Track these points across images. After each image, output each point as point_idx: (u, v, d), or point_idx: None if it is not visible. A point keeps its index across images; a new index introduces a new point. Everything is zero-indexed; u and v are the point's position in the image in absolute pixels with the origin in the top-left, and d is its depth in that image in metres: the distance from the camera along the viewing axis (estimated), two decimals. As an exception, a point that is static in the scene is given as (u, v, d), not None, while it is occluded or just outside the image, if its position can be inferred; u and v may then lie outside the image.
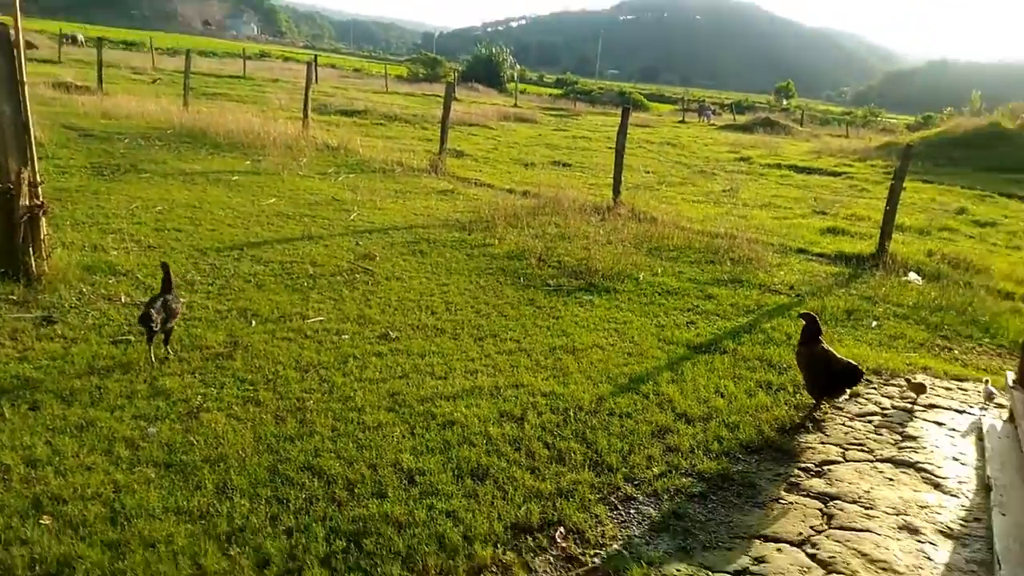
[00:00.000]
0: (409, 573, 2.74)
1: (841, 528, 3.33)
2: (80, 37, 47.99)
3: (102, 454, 3.35)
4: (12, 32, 4.84)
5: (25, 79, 4.97)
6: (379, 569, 2.73)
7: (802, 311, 4.80)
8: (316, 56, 51.06)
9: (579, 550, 3.00)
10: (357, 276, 6.28)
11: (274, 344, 4.75)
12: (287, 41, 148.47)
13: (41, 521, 2.81)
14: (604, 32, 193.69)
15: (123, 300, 5.19)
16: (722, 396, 4.59)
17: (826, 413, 4.51)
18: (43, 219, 5.23)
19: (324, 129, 16.08)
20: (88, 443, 3.41)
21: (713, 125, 38.24)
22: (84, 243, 6.38)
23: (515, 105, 37.48)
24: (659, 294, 6.71)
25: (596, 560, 2.96)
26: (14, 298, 4.94)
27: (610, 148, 21.27)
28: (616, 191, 11.20)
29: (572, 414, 4.18)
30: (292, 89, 31.35)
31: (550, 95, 54.39)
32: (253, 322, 5.09)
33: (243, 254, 6.56)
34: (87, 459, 3.29)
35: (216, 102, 21.71)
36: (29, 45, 41.61)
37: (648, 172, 16.32)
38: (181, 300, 5.02)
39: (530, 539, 3.02)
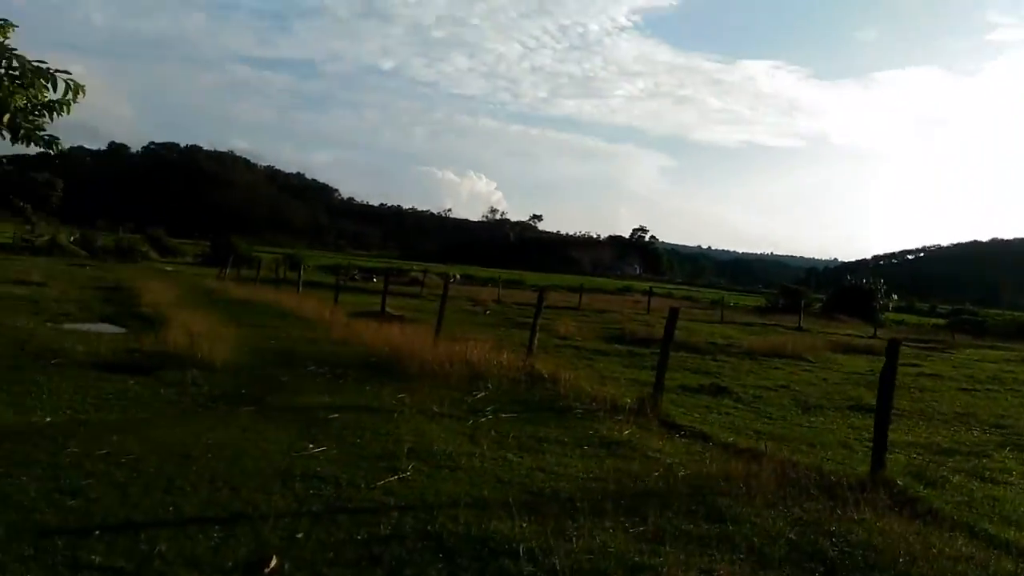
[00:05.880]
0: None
1: None
2: (457, 276, 54.47)
3: None
4: None
5: None
6: None
7: None
8: (651, 287, 51.36)
9: None
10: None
11: None
12: (665, 279, 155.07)
13: None
14: (1017, 261, 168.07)
15: None
16: None
17: None
18: None
19: (555, 357, 13.86)
20: None
21: None
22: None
23: (873, 335, 31.67)
24: None
25: None
26: None
27: (964, 389, 15.64)
28: (877, 462, 6.85)
29: None
30: (609, 319, 30.37)
31: (933, 325, 46.28)
32: None
33: (69, 545, 4.18)
34: None
35: (500, 331, 21.06)
36: (414, 281, 48.03)
37: (1001, 425, 10.88)
38: None
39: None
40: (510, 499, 5.59)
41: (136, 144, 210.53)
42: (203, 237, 72.93)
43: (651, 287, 53.86)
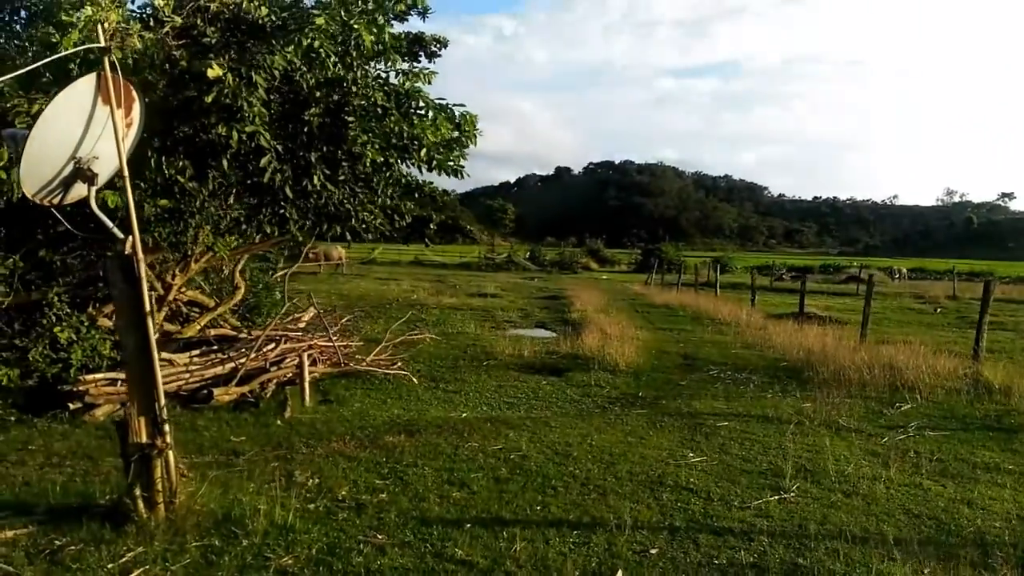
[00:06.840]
0: None
1: None
2: (903, 270, 48.55)
3: None
4: (137, 263, 4.51)
5: (149, 309, 4.56)
6: None
7: None
8: None
9: None
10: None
11: None
12: None
13: None
14: None
15: None
16: None
17: None
18: (158, 461, 4.52)
19: (1016, 364, 11.28)
20: None
21: None
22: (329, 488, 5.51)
23: None
24: None
25: None
26: (91, 550, 4.12)
27: None
28: None
29: None
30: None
31: None
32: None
33: (441, 536, 4.54)
34: None
35: (951, 332, 18.15)
36: (852, 278, 44.09)
37: None
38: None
39: None
40: (913, 536, 4.62)
41: (577, 166, 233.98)
42: (636, 246, 77.13)
43: None
